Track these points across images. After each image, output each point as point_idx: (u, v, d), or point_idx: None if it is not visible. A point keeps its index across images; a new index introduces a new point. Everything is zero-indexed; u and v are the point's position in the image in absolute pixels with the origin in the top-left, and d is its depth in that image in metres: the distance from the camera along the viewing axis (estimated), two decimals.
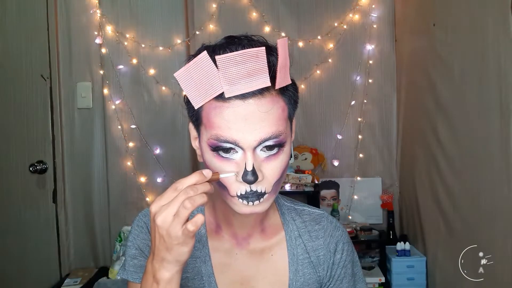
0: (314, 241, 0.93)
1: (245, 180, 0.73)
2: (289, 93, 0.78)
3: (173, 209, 0.66)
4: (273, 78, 0.74)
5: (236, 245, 0.90)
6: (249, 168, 0.73)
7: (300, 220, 0.95)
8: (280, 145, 0.76)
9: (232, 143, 0.73)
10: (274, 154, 0.76)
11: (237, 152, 0.74)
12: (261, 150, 0.75)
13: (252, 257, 0.90)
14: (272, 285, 0.90)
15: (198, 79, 0.72)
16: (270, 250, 0.91)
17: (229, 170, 0.75)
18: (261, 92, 0.73)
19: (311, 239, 0.94)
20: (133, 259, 0.89)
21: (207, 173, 0.70)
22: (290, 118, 0.80)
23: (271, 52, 0.75)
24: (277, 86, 0.74)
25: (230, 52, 0.71)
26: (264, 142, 0.74)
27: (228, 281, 0.89)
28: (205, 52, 0.70)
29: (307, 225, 0.94)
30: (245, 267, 0.89)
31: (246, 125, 0.72)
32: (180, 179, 0.68)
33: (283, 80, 0.75)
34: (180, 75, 0.72)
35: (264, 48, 0.71)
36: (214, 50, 0.74)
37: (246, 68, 0.71)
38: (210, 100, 0.73)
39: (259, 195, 0.76)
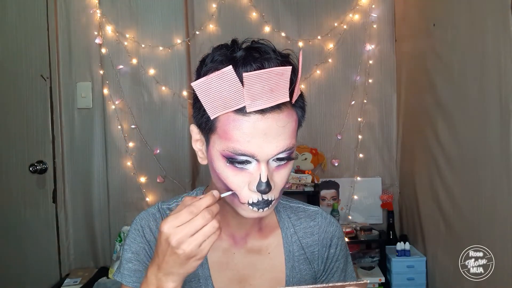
0: (309, 237, 0.95)
1: (259, 190, 0.76)
2: (300, 103, 0.80)
3: (191, 231, 0.69)
4: (290, 92, 0.75)
5: (233, 244, 0.91)
6: (264, 180, 0.75)
7: (295, 217, 0.97)
8: (289, 157, 0.78)
9: (249, 156, 0.75)
10: (284, 163, 0.78)
11: (251, 163, 0.76)
12: (273, 160, 0.77)
13: (250, 255, 0.91)
14: (269, 283, 0.91)
15: (218, 91, 0.72)
16: (267, 248, 0.93)
17: (241, 180, 0.77)
18: (279, 107, 0.74)
19: (306, 235, 0.95)
20: (128, 262, 0.89)
21: (217, 194, 0.73)
22: (299, 126, 0.82)
23: (286, 63, 0.76)
24: (294, 100, 0.76)
25: (255, 65, 0.73)
26: (278, 154, 0.76)
27: (226, 280, 0.90)
28: (230, 67, 0.71)
29: (302, 222, 0.96)
30: (242, 266, 0.90)
31: (264, 139, 0.74)
32: (193, 201, 0.71)
33: (297, 93, 0.77)
34: (198, 85, 0.72)
35: (291, 67, 0.73)
36: (236, 61, 0.73)
37: (269, 85, 0.72)
38: (228, 112, 0.74)
39: (268, 203, 0.78)
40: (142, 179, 2.29)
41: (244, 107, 0.73)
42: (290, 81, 0.74)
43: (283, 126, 0.75)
